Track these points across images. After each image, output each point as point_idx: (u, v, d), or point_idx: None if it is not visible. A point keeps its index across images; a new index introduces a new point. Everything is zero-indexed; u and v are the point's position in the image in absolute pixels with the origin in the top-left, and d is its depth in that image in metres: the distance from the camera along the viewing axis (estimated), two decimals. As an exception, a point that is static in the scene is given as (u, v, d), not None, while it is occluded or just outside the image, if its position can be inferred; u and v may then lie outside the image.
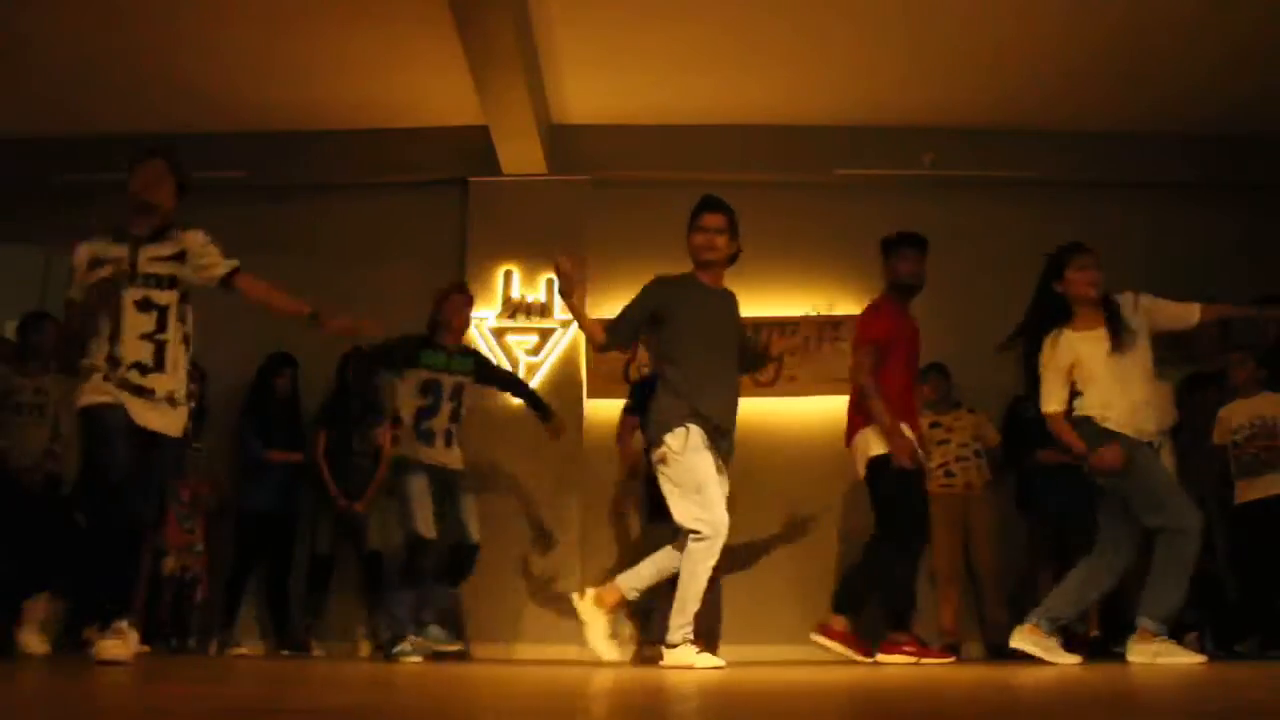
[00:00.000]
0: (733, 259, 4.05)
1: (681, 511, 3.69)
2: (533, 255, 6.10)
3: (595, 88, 5.97)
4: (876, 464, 4.37)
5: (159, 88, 5.86)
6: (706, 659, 3.70)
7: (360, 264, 6.27)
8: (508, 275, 6.11)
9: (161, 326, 3.48)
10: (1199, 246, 5.89)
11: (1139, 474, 3.81)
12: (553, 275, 6.10)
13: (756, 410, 6.01)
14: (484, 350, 5.99)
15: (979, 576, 5.50)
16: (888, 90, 5.95)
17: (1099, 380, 3.86)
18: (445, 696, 2.21)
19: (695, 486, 3.69)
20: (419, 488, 4.72)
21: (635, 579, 3.78)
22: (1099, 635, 5.15)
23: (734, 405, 3.90)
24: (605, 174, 6.25)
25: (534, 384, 5.67)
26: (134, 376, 3.41)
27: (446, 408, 4.86)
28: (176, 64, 5.64)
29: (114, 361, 3.40)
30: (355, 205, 6.44)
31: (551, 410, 5.17)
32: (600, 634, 3.74)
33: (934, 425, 5.48)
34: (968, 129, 6.23)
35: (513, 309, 6.14)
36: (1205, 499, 4.93)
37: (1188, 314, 4.09)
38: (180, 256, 3.56)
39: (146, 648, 5.13)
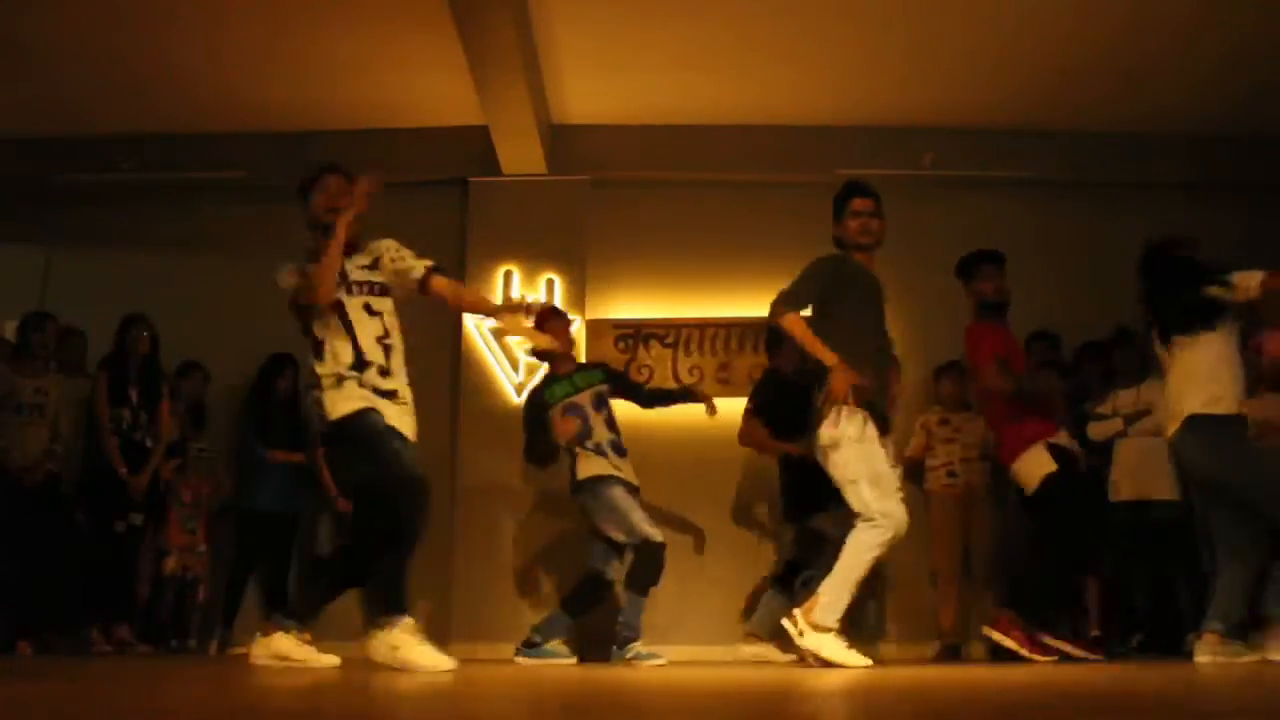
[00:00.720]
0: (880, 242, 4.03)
1: (858, 498, 3.67)
2: (533, 255, 6.10)
3: (595, 88, 5.97)
4: (1052, 481, 4.34)
5: (159, 88, 5.86)
6: (855, 656, 3.65)
7: (360, 264, 6.27)
8: (508, 275, 6.11)
9: (387, 331, 3.53)
10: (1199, 247, 5.89)
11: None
12: (553, 275, 6.12)
13: (756, 410, 6.03)
14: (484, 351, 5.99)
15: (979, 578, 5.49)
16: (888, 90, 5.94)
17: None
18: (445, 697, 2.21)
19: (873, 475, 3.67)
20: (621, 495, 4.59)
21: (833, 602, 3.69)
22: (1099, 635, 5.14)
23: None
24: (605, 174, 6.24)
25: (533, 384, 5.60)
26: (377, 380, 3.43)
27: (598, 420, 4.76)
28: (176, 64, 5.63)
29: (362, 364, 3.41)
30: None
31: (694, 391, 5.12)
32: (840, 649, 3.67)
33: (943, 423, 5.50)
34: (968, 129, 6.22)
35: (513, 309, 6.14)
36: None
37: None
38: (375, 265, 3.62)
39: (147, 647, 5.14)
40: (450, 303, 3.82)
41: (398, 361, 3.54)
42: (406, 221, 6.35)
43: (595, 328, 6.11)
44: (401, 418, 3.47)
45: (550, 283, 6.10)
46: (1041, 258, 5.92)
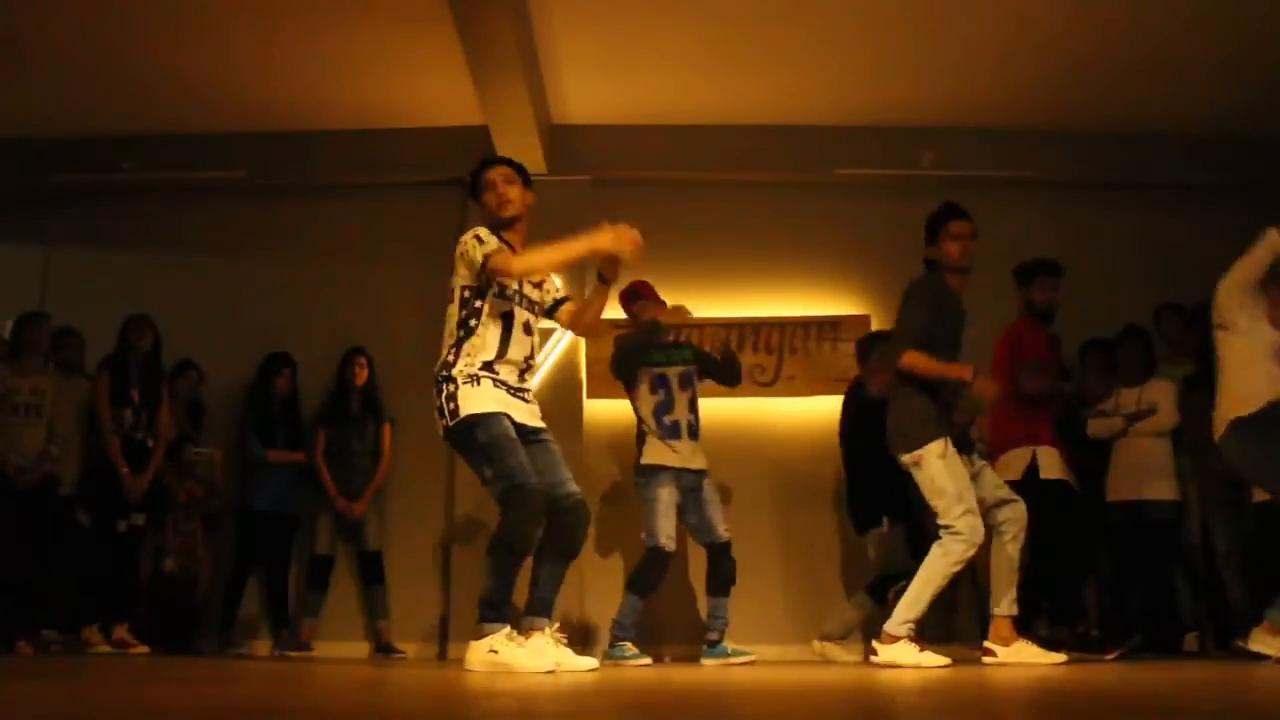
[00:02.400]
0: None
1: (946, 510, 3.75)
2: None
3: (595, 88, 5.97)
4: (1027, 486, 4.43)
5: (159, 87, 5.86)
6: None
7: (360, 264, 6.28)
8: (508, 275, 6.11)
9: (533, 353, 3.54)
10: (1199, 246, 5.89)
11: None
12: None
13: (756, 410, 6.02)
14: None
15: (980, 578, 5.49)
16: (888, 90, 5.94)
17: None
18: (445, 698, 2.21)
19: (958, 490, 3.76)
20: (666, 496, 4.65)
21: (904, 612, 3.79)
22: (1099, 635, 5.14)
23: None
24: (605, 174, 6.24)
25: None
26: (513, 379, 3.43)
27: (681, 399, 4.83)
28: (176, 64, 5.63)
29: (493, 368, 3.38)
30: (355, 205, 6.44)
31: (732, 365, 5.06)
32: (912, 654, 3.73)
33: None
34: (968, 129, 6.22)
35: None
36: (1209, 498, 4.93)
37: None
38: (541, 286, 3.62)
39: (146, 648, 5.14)
40: (586, 318, 3.67)
41: (530, 383, 3.56)
42: (407, 221, 6.40)
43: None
44: (529, 412, 3.47)
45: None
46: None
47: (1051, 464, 4.53)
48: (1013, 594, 3.90)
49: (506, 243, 3.50)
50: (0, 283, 6.30)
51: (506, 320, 3.44)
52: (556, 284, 3.71)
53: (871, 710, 1.85)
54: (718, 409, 5.50)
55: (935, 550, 3.78)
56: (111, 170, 6.27)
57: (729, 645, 4.77)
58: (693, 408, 4.88)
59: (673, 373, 4.88)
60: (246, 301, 6.21)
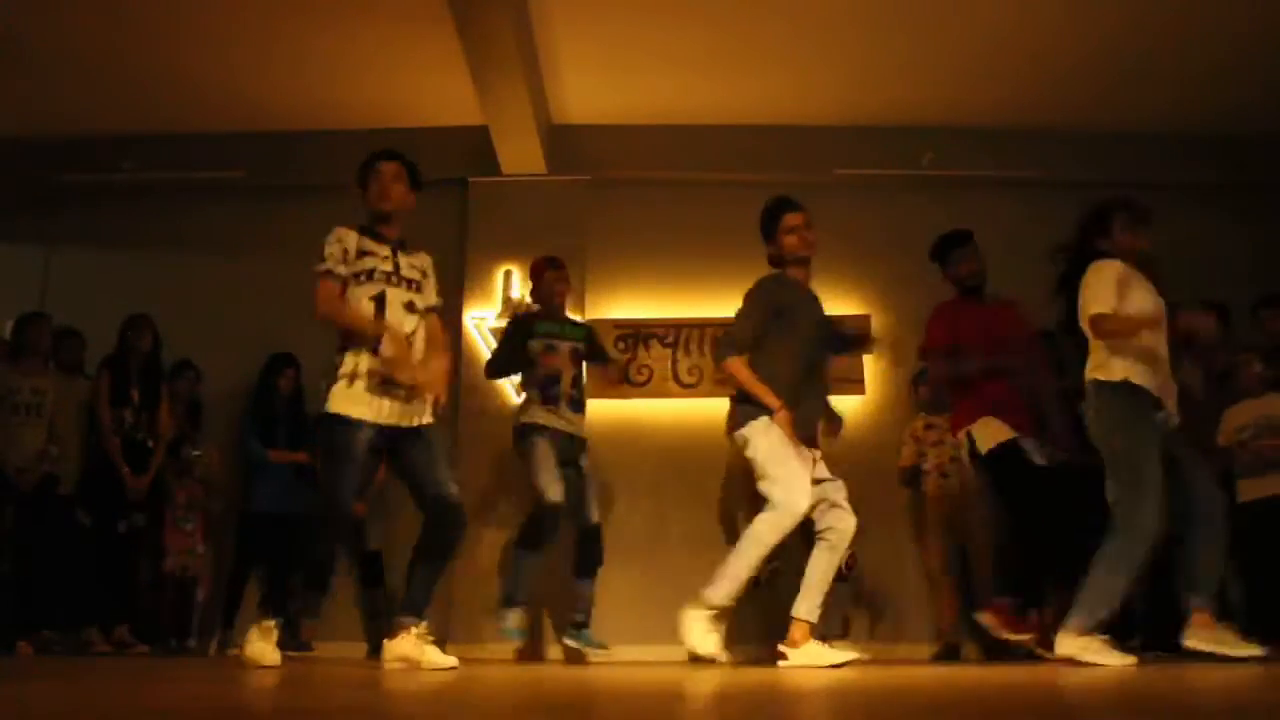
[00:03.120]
0: None
1: (774, 483, 3.75)
2: (533, 255, 6.07)
3: (595, 88, 5.98)
4: (1005, 451, 4.28)
5: (159, 88, 5.87)
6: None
7: (360, 264, 6.28)
8: (507, 275, 6.12)
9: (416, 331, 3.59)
10: (1199, 246, 5.89)
11: None
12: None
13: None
14: (483, 349, 5.99)
15: (975, 578, 5.49)
16: (888, 90, 5.95)
17: None
18: (443, 696, 2.22)
19: (783, 461, 3.74)
20: (543, 450, 4.73)
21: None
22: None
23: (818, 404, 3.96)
24: (605, 174, 6.25)
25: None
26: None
27: (568, 374, 4.93)
28: (176, 64, 5.64)
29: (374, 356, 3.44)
30: (355, 205, 6.43)
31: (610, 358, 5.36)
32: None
33: (929, 427, 5.49)
34: (968, 129, 6.23)
35: (513, 309, 6.15)
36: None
37: None
38: (425, 274, 3.75)
39: (146, 648, 5.14)
40: (429, 339, 3.70)
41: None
42: (406, 221, 6.39)
43: (595, 328, 6.11)
44: (409, 414, 3.48)
45: (550, 282, 6.11)
46: (1041, 257, 5.91)
47: (986, 435, 4.26)
48: (816, 601, 3.73)
49: (378, 235, 3.70)
50: (0, 283, 6.31)
51: (379, 302, 3.52)
52: (431, 275, 3.80)
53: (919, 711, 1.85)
54: (713, 409, 5.48)
55: (763, 517, 3.69)
56: (112, 170, 6.29)
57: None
58: (576, 383, 4.97)
59: (564, 347, 4.98)
60: (246, 301, 6.22)
